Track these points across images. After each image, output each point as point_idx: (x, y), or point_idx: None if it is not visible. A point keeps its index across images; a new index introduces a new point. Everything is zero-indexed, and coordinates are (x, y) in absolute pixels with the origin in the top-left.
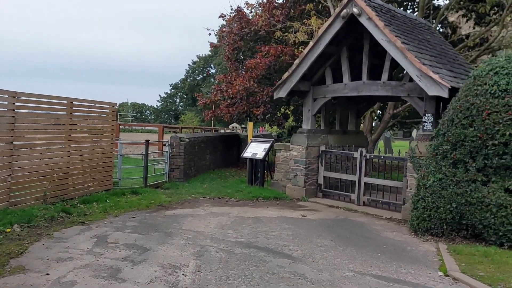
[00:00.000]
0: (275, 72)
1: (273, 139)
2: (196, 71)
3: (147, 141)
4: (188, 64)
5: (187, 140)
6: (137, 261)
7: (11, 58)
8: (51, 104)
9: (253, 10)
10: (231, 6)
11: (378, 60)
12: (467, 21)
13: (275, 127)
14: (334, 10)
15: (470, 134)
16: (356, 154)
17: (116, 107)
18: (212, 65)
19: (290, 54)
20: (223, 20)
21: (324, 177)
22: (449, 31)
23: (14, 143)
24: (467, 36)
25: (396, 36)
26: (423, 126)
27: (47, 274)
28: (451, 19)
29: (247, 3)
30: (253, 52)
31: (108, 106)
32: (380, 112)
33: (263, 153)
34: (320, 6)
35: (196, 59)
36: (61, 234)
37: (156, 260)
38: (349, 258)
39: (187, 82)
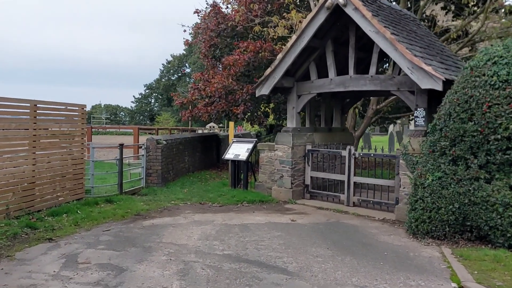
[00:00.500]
0: (254, 69)
1: (256, 139)
2: (171, 71)
3: (121, 145)
4: (163, 64)
5: (165, 142)
6: (112, 286)
7: None
8: (12, 108)
9: (229, 6)
10: (206, 1)
11: (364, 53)
12: (446, 13)
13: (256, 126)
14: (314, 3)
15: (470, 129)
16: (345, 153)
17: (86, 109)
18: (187, 64)
19: (270, 50)
20: (199, 16)
21: (311, 177)
22: (429, 24)
23: None
24: (446, 29)
25: (385, 27)
26: (415, 121)
27: None
28: (428, 12)
29: None
30: (231, 48)
31: (77, 108)
32: (361, 108)
33: (246, 154)
34: (299, 0)
35: (170, 58)
36: (25, 254)
37: (134, 283)
38: (351, 270)
39: (162, 82)
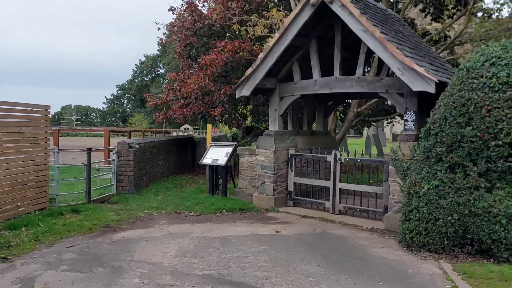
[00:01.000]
0: (232, 69)
1: (236, 143)
2: (144, 71)
3: (90, 149)
4: (136, 64)
5: (137, 146)
6: None
7: None
8: None
9: (206, 4)
10: None
11: (350, 53)
12: (425, 16)
13: (234, 128)
14: (294, 2)
15: (468, 134)
16: (330, 158)
17: (50, 110)
18: (161, 65)
19: (249, 49)
20: (174, 13)
21: (295, 183)
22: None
23: None
24: (425, 32)
25: (374, 25)
26: (404, 125)
27: None
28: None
29: None
30: (207, 48)
31: (40, 109)
32: (342, 111)
33: (225, 159)
34: None
35: (144, 58)
36: None
37: None
38: None
39: (135, 83)
